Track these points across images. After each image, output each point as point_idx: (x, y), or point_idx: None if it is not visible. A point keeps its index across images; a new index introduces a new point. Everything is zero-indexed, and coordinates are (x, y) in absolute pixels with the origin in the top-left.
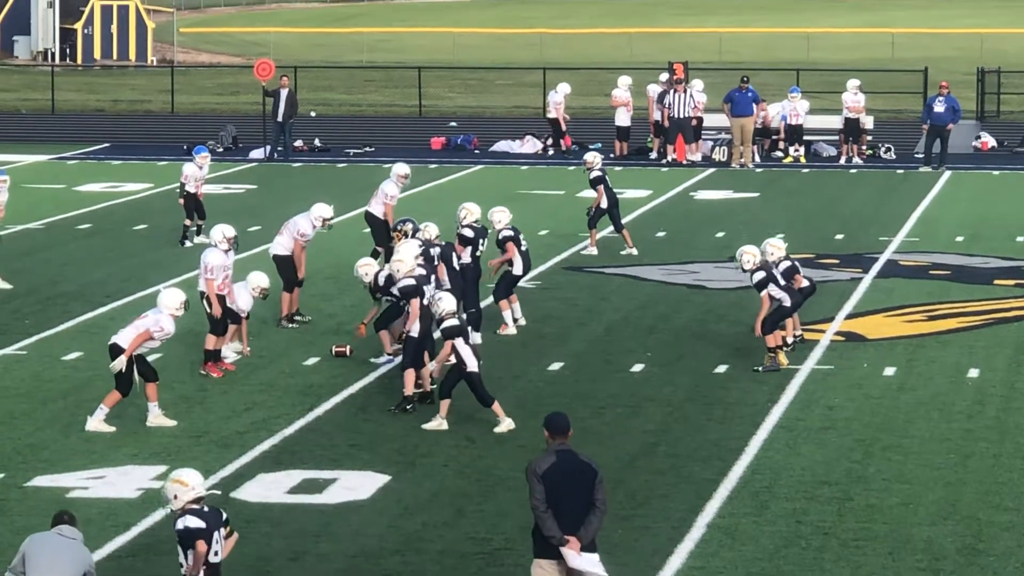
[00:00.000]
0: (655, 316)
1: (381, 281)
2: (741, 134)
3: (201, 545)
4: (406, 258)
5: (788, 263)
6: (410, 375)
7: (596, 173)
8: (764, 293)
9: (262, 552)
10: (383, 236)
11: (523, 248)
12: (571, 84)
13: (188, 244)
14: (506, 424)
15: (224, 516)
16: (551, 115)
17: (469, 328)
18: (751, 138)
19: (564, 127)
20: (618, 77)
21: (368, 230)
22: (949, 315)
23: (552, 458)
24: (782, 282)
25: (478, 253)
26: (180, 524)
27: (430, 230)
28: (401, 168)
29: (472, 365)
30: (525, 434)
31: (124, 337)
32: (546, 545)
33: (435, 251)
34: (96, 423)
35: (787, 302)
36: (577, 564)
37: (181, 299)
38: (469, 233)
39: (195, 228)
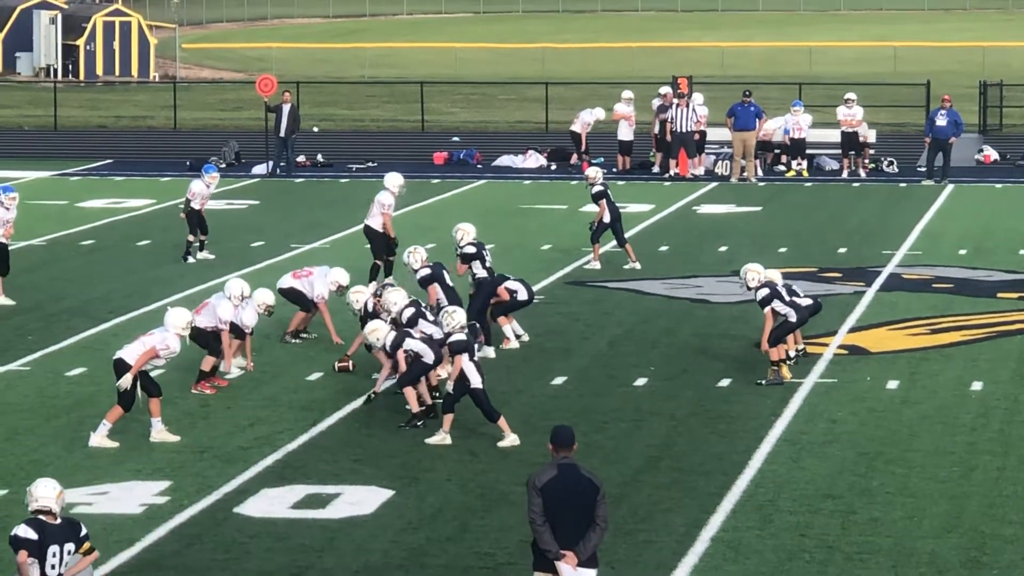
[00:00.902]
0: (658, 330)
1: (371, 307)
2: (743, 148)
3: (21, 555)
4: (380, 326)
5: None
6: (410, 392)
7: (598, 188)
8: (767, 309)
9: (265, 567)
10: (381, 248)
11: (515, 278)
12: (573, 99)
13: (191, 260)
14: (511, 440)
15: (82, 532)
16: (575, 129)
17: (481, 341)
18: (753, 152)
19: (584, 147)
20: (620, 91)
21: (368, 245)
22: (952, 328)
23: (553, 471)
24: (787, 298)
25: (488, 264)
26: (12, 531)
27: (418, 253)
28: (396, 178)
29: (476, 381)
30: (528, 448)
31: (129, 353)
32: (545, 559)
33: (424, 272)
34: (99, 439)
35: (793, 317)
36: None
37: (187, 319)
38: (471, 249)
39: (198, 243)
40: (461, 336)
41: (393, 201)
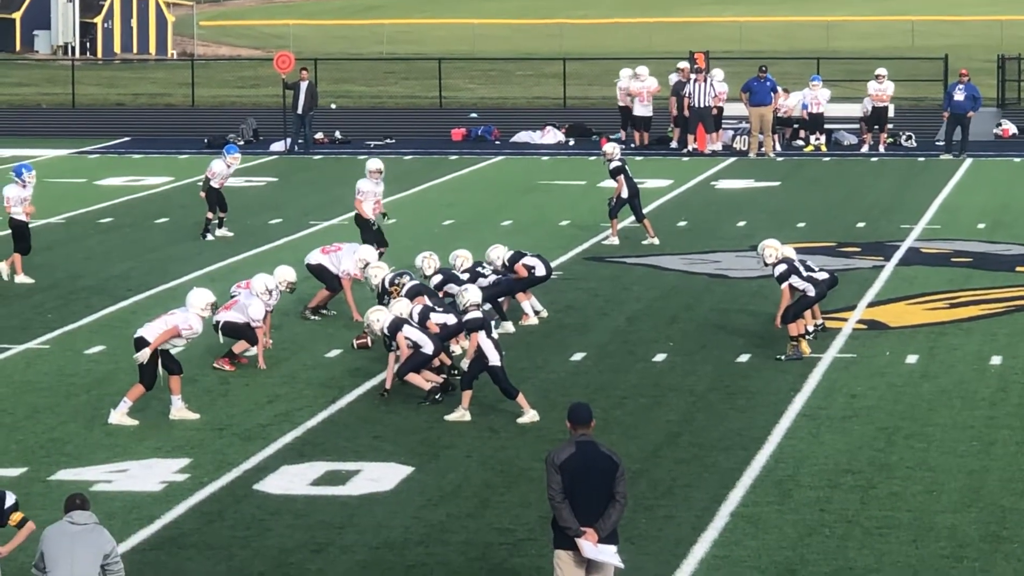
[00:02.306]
0: (677, 306)
1: (387, 285)
2: (761, 123)
3: None
4: (379, 309)
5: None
6: (414, 377)
7: (615, 163)
8: (785, 285)
9: (285, 544)
10: (371, 237)
11: (532, 254)
12: (591, 75)
13: (210, 237)
14: (530, 416)
15: (6, 504)
16: (623, 103)
17: (497, 318)
18: (771, 127)
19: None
20: (637, 67)
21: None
22: (971, 302)
23: (571, 448)
24: (804, 273)
25: (489, 275)
26: None
27: (431, 260)
28: (372, 163)
29: (494, 359)
30: (548, 424)
31: (151, 331)
32: (564, 536)
33: (438, 279)
34: (119, 416)
35: (811, 292)
36: (592, 555)
37: (209, 300)
38: (465, 276)
39: (217, 221)
40: (477, 313)
41: (371, 187)
